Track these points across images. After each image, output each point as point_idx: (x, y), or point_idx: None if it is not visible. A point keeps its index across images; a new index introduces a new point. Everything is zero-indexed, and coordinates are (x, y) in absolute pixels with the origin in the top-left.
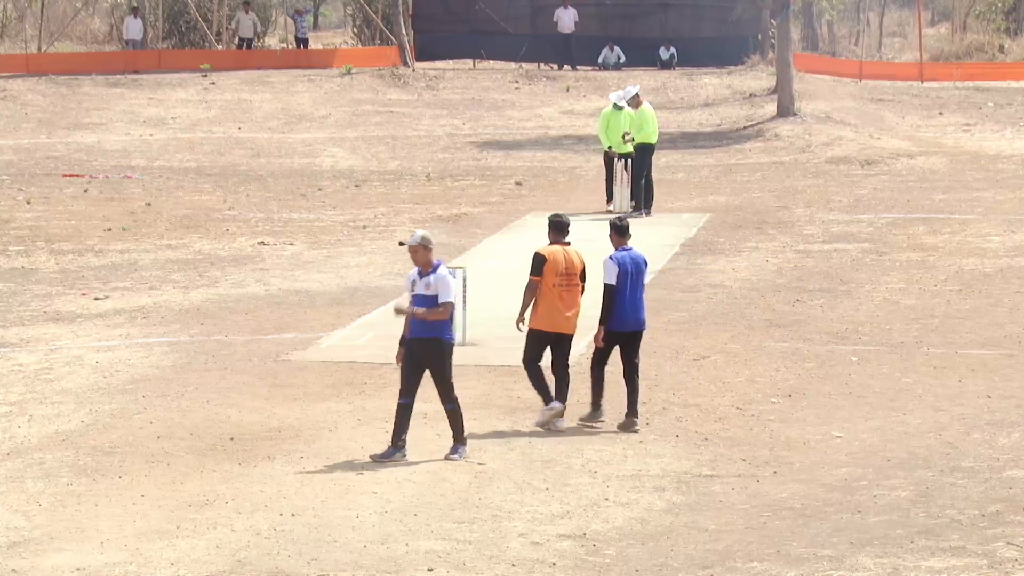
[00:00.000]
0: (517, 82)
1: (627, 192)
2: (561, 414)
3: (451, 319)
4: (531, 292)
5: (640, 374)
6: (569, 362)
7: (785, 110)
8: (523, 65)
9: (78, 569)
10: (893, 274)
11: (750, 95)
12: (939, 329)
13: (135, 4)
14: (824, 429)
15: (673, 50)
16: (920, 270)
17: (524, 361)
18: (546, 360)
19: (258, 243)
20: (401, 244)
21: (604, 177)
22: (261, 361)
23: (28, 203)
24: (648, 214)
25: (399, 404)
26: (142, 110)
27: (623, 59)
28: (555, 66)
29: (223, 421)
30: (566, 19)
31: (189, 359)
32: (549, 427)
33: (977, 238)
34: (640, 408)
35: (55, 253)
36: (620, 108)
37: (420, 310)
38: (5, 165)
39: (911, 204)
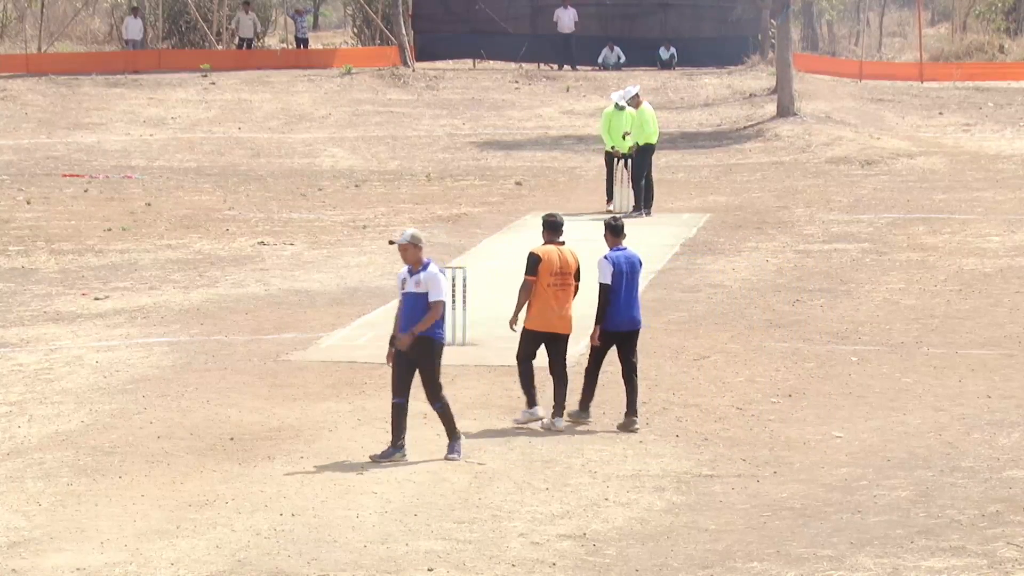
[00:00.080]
0: (517, 82)
1: (627, 192)
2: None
3: (442, 318)
4: (526, 292)
5: (639, 374)
6: (567, 362)
7: (785, 110)
8: (523, 65)
9: (78, 569)
10: (893, 274)
11: (750, 95)
12: (939, 329)
13: (135, 4)
14: (824, 429)
15: (673, 50)
16: (920, 270)
17: (517, 358)
18: (544, 360)
19: (258, 243)
20: (391, 243)
21: (604, 177)
22: (261, 361)
23: (28, 203)
24: (648, 214)
25: (393, 404)
26: (142, 110)
27: (623, 59)
28: (555, 66)
29: (223, 421)
30: (566, 19)
31: (189, 359)
32: (549, 427)
33: (977, 238)
34: (640, 408)
35: (55, 253)
36: (622, 108)
37: (416, 328)
38: (5, 165)
39: (911, 204)
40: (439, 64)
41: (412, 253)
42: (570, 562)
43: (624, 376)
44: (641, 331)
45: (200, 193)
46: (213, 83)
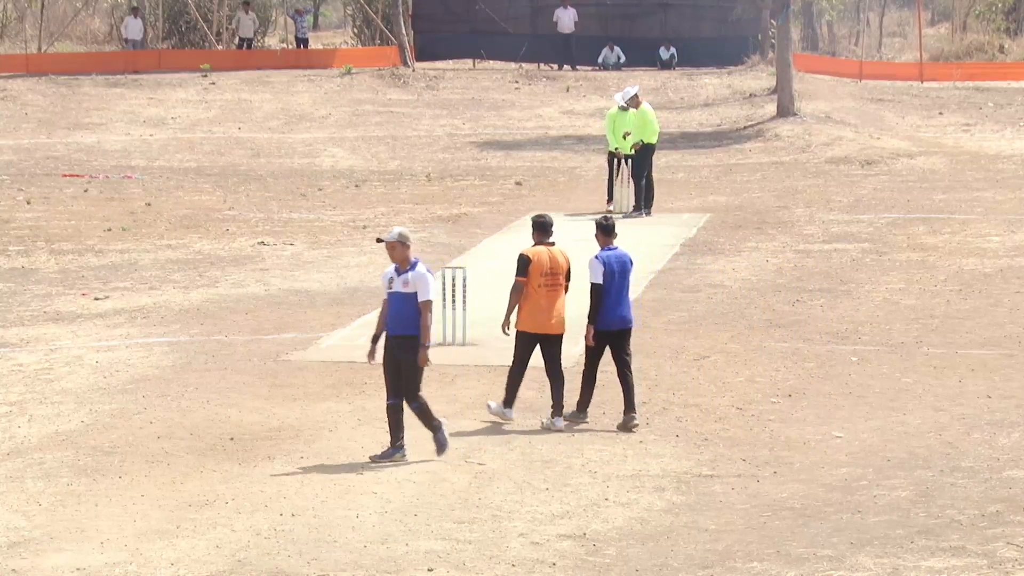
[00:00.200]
0: (517, 82)
1: (628, 192)
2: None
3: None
4: (517, 293)
5: (636, 372)
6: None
7: (785, 110)
8: (523, 65)
9: (78, 569)
10: (893, 274)
11: (750, 95)
12: (939, 329)
13: (135, 4)
14: (824, 429)
15: (673, 50)
16: (920, 270)
17: (513, 361)
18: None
19: (258, 243)
20: (379, 241)
21: (605, 177)
22: (261, 361)
23: (28, 203)
24: (648, 214)
25: (388, 405)
26: (142, 110)
27: (623, 59)
28: (555, 66)
29: (223, 421)
30: (566, 19)
31: (189, 359)
32: (548, 427)
33: (977, 238)
34: (640, 408)
35: (55, 253)
36: (625, 109)
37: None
38: (5, 165)
39: (911, 204)
40: (439, 64)
41: (400, 252)
42: (570, 562)
43: (619, 375)
44: (641, 331)
45: (200, 193)
46: (213, 83)
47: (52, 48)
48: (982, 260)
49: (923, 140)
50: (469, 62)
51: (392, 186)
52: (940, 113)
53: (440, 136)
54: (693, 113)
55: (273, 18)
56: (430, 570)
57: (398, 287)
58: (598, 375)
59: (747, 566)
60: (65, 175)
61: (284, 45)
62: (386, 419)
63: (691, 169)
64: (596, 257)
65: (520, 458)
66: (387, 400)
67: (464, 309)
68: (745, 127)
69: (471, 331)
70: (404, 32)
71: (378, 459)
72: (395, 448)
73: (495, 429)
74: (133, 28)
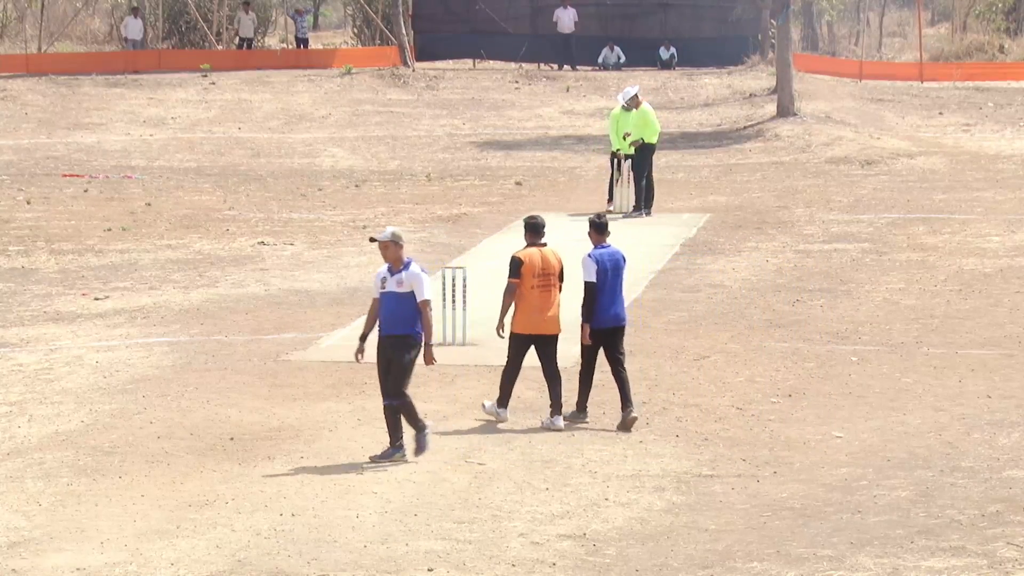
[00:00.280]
0: (517, 82)
1: (628, 192)
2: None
3: (420, 318)
4: (510, 295)
5: (633, 370)
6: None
7: (785, 110)
8: (523, 65)
9: (78, 569)
10: (893, 274)
11: (750, 95)
12: (939, 329)
13: (135, 4)
14: (824, 429)
15: (673, 50)
16: (920, 270)
17: (507, 361)
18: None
19: (258, 243)
20: (372, 240)
21: (606, 177)
22: (261, 361)
23: (28, 203)
24: (648, 214)
25: (384, 406)
26: (142, 110)
27: (623, 59)
28: (555, 66)
29: (223, 421)
30: (565, 19)
31: (189, 359)
32: (548, 426)
33: (977, 238)
34: (640, 408)
35: (55, 253)
36: (629, 109)
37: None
38: (5, 165)
39: (911, 204)
40: (439, 64)
41: (393, 251)
42: (570, 562)
43: (613, 373)
44: (641, 331)
45: (200, 193)
46: (213, 83)
47: (52, 48)
48: (982, 260)
49: (923, 140)
50: (469, 62)
51: (392, 186)
52: (940, 113)
53: (440, 136)
54: (693, 113)
55: (273, 18)
56: (430, 570)
57: (392, 287)
58: (596, 374)
59: (747, 566)
60: (65, 175)
61: (284, 45)
62: (384, 420)
63: (691, 169)
64: (589, 255)
65: (520, 458)
66: (383, 401)
67: (464, 309)
68: (745, 127)
69: (471, 331)
70: (404, 32)
71: (378, 459)
72: (395, 448)
73: (495, 429)
74: (133, 28)
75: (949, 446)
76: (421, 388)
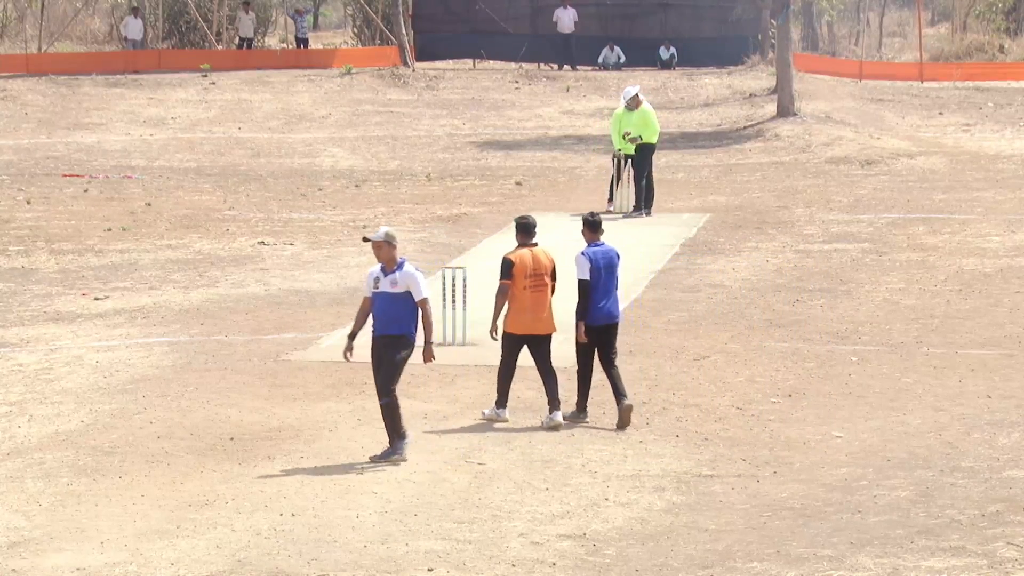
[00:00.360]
0: (517, 82)
1: (628, 192)
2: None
3: (416, 318)
4: (503, 296)
5: (632, 370)
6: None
7: (785, 110)
8: (523, 65)
9: (78, 569)
10: (893, 274)
11: (750, 95)
12: (939, 329)
13: (135, 4)
14: (824, 429)
15: (673, 50)
16: (920, 270)
17: (500, 361)
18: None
19: (258, 243)
20: (365, 240)
21: (608, 177)
22: (261, 361)
23: (28, 203)
24: (648, 214)
25: (381, 405)
26: (142, 110)
27: (623, 59)
28: (555, 66)
29: (223, 421)
30: (565, 19)
31: (189, 359)
32: (547, 423)
33: (977, 238)
34: (640, 408)
35: (55, 253)
36: (631, 109)
37: (428, 337)
38: (5, 165)
39: (911, 204)
40: (439, 64)
41: (386, 251)
42: (570, 562)
43: (604, 369)
44: (641, 331)
45: (200, 193)
46: (213, 83)
47: (52, 48)
48: (982, 260)
49: (923, 140)
50: (469, 62)
51: (392, 186)
52: (940, 113)
53: (440, 136)
54: (693, 113)
55: (273, 18)
56: (430, 570)
57: (385, 287)
58: (593, 374)
59: (747, 566)
60: (65, 175)
61: (284, 45)
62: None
63: (691, 169)
64: (582, 253)
65: (520, 458)
66: (380, 400)
67: (464, 309)
68: (745, 127)
69: (471, 331)
70: (404, 32)
71: (378, 459)
72: (394, 448)
73: (495, 429)
74: (133, 28)
75: (949, 446)
76: (421, 388)
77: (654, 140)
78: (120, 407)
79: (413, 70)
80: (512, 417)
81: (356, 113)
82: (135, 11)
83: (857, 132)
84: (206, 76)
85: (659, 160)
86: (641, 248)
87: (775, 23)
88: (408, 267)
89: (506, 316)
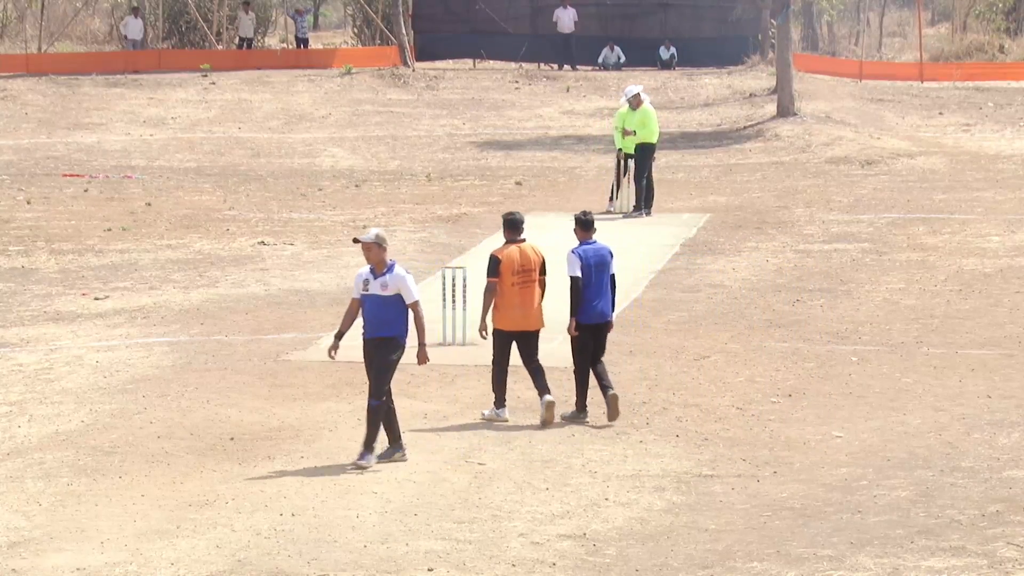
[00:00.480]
0: (517, 82)
1: (628, 192)
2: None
3: (405, 317)
4: (490, 294)
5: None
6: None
7: (785, 110)
8: (523, 65)
9: (78, 569)
10: (893, 274)
11: (750, 95)
12: (939, 329)
13: (135, 4)
14: (824, 429)
15: (673, 50)
16: (920, 270)
17: (492, 361)
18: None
19: (258, 243)
20: (355, 241)
21: (607, 177)
22: (261, 361)
23: (28, 203)
24: (648, 214)
25: (369, 406)
26: (142, 110)
27: (623, 59)
28: (555, 66)
29: (223, 421)
30: (565, 19)
31: (189, 359)
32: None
33: (977, 238)
34: (640, 408)
35: (55, 253)
36: (633, 108)
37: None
38: (5, 165)
39: (911, 204)
40: (439, 64)
41: (376, 253)
42: (570, 562)
43: (592, 366)
44: (641, 331)
45: (200, 193)
46: (213, 83)
47: (52, 48)
48: (982, 260)
49: (923, 140)
50: (469, 62)
51: (392, 186)
52: (940, 113)
53: (440, 136)
54: (693, 113)
55: (273, 18)
56: (430, 570)
57: (375, 289)
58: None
59: (747, 566)
60: (65, 175)
61: (284, 45)
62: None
63: (691, 169)
64: (573, 251)
65: (520, 458)
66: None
67: (464, 309)
68: (745, 127)
69: (471, 331)
70: (404, 32)
71: (378, 459)
72: (394, 448)
73: (495, 429)
74: (133, 28)
75: (949, 446)
76: (421, 388)
77: (654, 140)
78: (120, 407)
79: (413, 70)
80: (512, 417)
81: (356, 113)
82: (135, 11)
83: (857, 132)
84: (206, 76)
85: (659, 160)
86: (641, 248)
87: (775, 23)
88: (398, 269)
89: (495, 313)
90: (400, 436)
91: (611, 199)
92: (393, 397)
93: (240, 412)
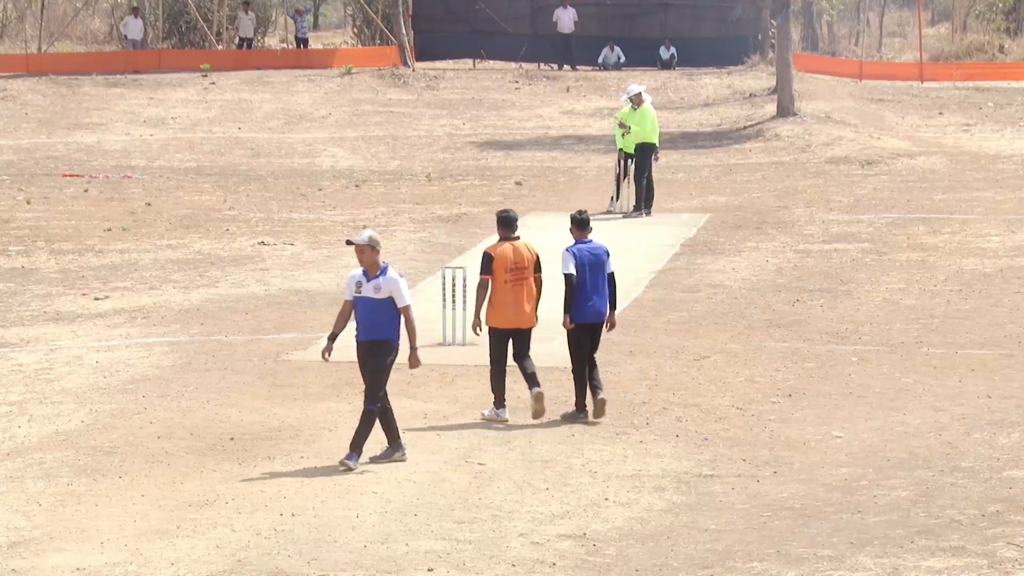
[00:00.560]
0: (517, 82)
1: (629, 192)
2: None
3: (397, 321)
4: (483, 291)
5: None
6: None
7: (785, 110)
8: (523, 65)
9: (78, 569)
10: (893, 274)
11: (750, 95)
12: (939, 329)
13: (135, 4)
14: (824, 429)
15: (673, 50)
16: (920, 270)
17: (489, 359)
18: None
19: (258, 243)
20: (349, 243)
21: (606, 177)
22: (261, 361)
23: (28, 203)
24: (648, 214)
25: (365, 410)
26: (142, 110)
27: (623, 59)
28: (555, 66)
29: (223, 421)
30: (565, 19)
31: (189, 359)
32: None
33: (977, 238)
34: (640, 408)
35: (55, 253)
36: (636, 108)
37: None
38: (5, 165)
39: (911, 204)
40: (439, 64)
41: (369, 255)
42: (570, 562)
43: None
44: (641, 331)
45: (200, 193)
46: (213, 83)
47: (52, 48)
48: (982, 260)
49: (923, 140)
50: (469, 62)
51: (392, 186)
52: (940, 113)
53: (440, 136)
54: (693, 113)
55: (273, 18)
56: (430, 570)
57: (368, 292)
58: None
59: (747, 566)
60: (65, 175)
61: (284, 45)
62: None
63: (691, 169)
64: (567, 249)
65: (520, 458)
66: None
67: (464, 309)
68: (745, 127)
69: (471, 331)
70: (404, 32)
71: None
72: (394, 447)
73: (495, 429)
74: (133, 28)
75: (949, 446)
76: (421, 388)
77: (654, 140)
78: (120, 407)
79: (413, 70)
80: (512, 417)
81: (356, 113)
82: (135, 11)
83: (857, 132)
84: (206, 76)
85: (659, 160)
86: (641, 248)
87: (775, 23)
88: (391, 272)
89: (488, 311)
90: (399, 436)
91: (613, 199)
92: (393, 397)
93: (240, 412)
